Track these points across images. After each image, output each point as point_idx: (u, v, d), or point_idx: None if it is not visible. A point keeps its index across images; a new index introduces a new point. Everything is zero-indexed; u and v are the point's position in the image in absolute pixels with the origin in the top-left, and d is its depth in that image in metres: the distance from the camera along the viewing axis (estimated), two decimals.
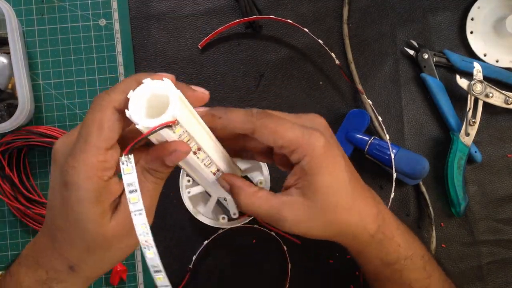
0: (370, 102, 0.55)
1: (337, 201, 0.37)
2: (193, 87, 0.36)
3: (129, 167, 0.29)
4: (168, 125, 0.29)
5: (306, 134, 0.36)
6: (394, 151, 0.52)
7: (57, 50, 0.56)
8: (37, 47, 0.56)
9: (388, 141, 0.53)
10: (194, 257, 0.54)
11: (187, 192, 0.49)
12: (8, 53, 0.52)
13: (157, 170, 0.33)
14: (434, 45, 0.58)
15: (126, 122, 0.31)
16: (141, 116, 0.29)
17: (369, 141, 0.53)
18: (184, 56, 0.57)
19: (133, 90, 0.30)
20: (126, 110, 0.30)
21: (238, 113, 0.37)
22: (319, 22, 0.58)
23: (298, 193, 0.37)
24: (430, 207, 0.55)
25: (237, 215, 0.49)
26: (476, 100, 0.54)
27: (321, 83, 0.57)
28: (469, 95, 0.54)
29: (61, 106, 0.55)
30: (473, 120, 0.54)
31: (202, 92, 0.37)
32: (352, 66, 0.56)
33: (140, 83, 0.31)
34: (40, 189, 0.55)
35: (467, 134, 0.54)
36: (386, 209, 0.41)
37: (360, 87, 0.56)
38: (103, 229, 0.32)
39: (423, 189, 0.55)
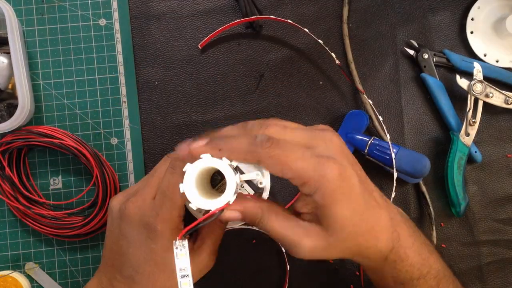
0: (371, 102, 0.55)
1: (356, 231, 0.35)
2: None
3: (182, 252, 0.32)
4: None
5: (318, 166, 0.33)
6: (394, 150, 0.52)
7: (57, 50, 0.56)
8: (37, 47, 0.56)
9: (389, 140, 0.53)
10: None
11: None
12: (8, 53, 0.52)
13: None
14: (434, 45, 0.58)
15: None
16: (195, 195, 0.31)
17: (369, 142, 0.53)
18: (184, 56, 0.57)
19: (191, 163, 0.31)
20: (180, 184, 0.32)
21: (239, 142, 0.35)
22: (319, 22, 0.58)
23: (314, 222, 0.36)
24: (431, 207, 0.55)
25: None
26: (476, 100, 0.54)
27: (321, 83, 0.57)
28: (469, 95, 0.54)
29: (61, 106, 0.55)
30: (473, 120, 0.54)
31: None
32: (352, 66, 0.56)
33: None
34: (40, 189, 0.55)
35: (467, 134, 0.54)
36: (401, 224, 0.39)
37: (360, 87, 0.56)
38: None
39: (424, 189, 0.55)
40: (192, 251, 0.40)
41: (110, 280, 0.40)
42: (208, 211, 0.32)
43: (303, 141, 0.35)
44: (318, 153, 0.34)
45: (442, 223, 0.56)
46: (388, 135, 0.54)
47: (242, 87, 0.57)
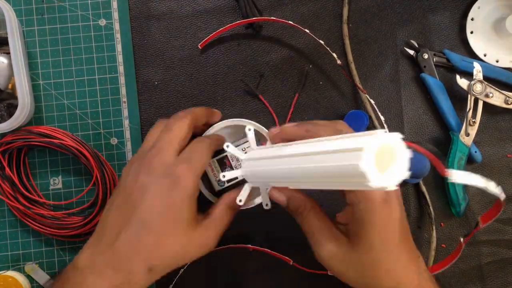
0: (372, 102, 0.55)
1: (378, 259, 0.35)
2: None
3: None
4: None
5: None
6: None
7: (57, 50, 0.56)
8: (37, 47, 0.56)
9: None
10: None
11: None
12: (8, 53, 0.52)
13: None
14: (434, 45, 0.58)
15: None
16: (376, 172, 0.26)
17: None
18: (184, 56, 0.57)
19: (371, 144, 0.27)
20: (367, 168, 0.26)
21: (325, 130, 0.37)
22: (319, 22, 0.58)
23: (345, 235, 0.37)
24: (431, 207, 0.55)
25: (269, 206, 0.46)
26: (476, 100, 0.54)
27: (321, 83, 0.57)
28: (469, 95, 0.54)
29: (61, 106, 0.55)
30: (473, 120, 0.54)
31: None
32: (352, 66, 0.56)
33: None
34: (40, 189, 0.55)
35: (467, 134, 0.54)
36: (426, 279, 0.38)
37: (361, 86, 0.56)
38: (191, 233, 0.39)
39: (423, 188, 0.55)
40: (201, 225, 0.40)
41: (112, 244, 0.38)
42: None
43: None
44: None
45: (442, 223, 0.56)
46: None
47: (242, 87, 0.57)
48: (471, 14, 0.57)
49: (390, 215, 0.35)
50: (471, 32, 0.57)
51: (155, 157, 0.39)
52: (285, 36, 0.57)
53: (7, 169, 0.52)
